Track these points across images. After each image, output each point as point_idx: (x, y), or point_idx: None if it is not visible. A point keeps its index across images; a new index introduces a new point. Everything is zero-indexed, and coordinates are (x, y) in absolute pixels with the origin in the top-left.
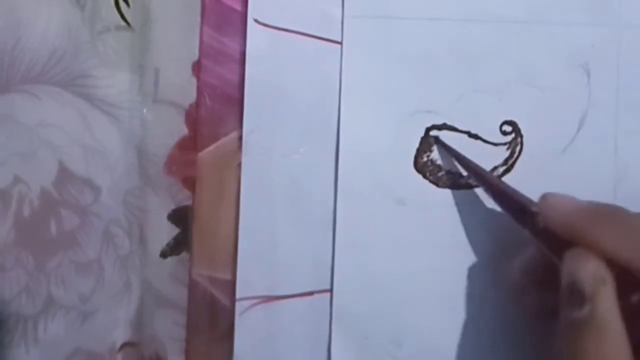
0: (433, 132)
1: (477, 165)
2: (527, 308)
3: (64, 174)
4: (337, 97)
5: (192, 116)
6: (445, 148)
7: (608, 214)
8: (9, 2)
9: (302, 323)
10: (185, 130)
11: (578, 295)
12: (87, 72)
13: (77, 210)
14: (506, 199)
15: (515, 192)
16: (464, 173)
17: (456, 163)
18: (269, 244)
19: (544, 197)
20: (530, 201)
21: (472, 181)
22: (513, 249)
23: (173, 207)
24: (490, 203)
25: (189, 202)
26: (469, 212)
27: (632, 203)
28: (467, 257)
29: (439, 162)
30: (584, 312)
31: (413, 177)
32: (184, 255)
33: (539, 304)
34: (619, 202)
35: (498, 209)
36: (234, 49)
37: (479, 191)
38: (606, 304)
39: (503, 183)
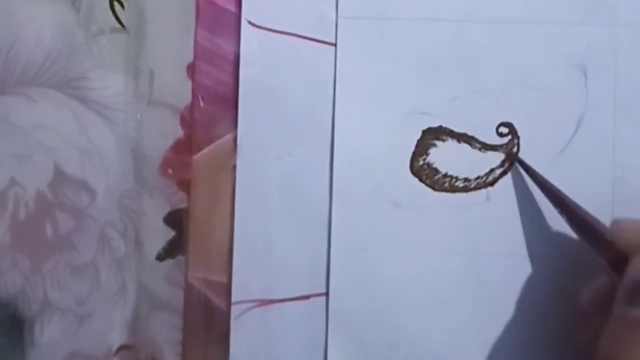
0: (428, 135)
1: (557, 189)
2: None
3: (60, 177)
4: (332, 98)
5: (187, 118)
6: (525, 169)
7: None
8: (4, 5)
9: (298, 326)
10: (180, 132)
11: (638, 295)
12: (82, 74)
13: (73, 212)
14: (582, 224)
15: (591, 217)
16: (460, 176)
17: (533, 185)
18: (265, 246)
19: (615, 221)
20: (605, 227)
21: (467, 185)
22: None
23: (168, 209)
24: (485, 207)
25: (185, 205)
26: (465, 216)
27: (630, 204)
28: (462, 260)
29: (435, 166)
30: None
31: (409, 180)
32: (180, 258)
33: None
34: (617, 204)
35: (494, 213)
36: (228, 51)
37: (475, 195)
38: None
39: (580, 208)
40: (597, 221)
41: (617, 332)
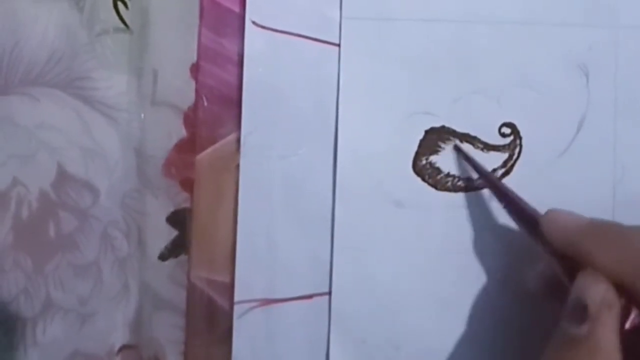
0: (431, 135)
1: (494, 177)
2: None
3: (63, 176)
4: (335, 98)
5: (191, 118)
6: (464, 157)
7: (604, 230)
8: (8, 5)
9: (300, 326)
10: (183, 132)
11: (581, 312)
12: (85, 74)
13: (76, 212)
14: (519, 212)
15: (527, 205)
16: (463, 176)
17: (470, 170)
18: (267, 246)
19: (547, 212)
20: (540, 215)
21: (470, 184)
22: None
23: (171, 209)
24: (488, 206)
25: (188, 205)
26: (467, 215)
27: (631, 204)
28: (465, 260)
29: (438, 165)
30: (582, 330)
31: (412, 179)
32: (183, 257)
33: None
34: (618, 204)
35: (496, 212)
36: (232, 51)
37: (477, 194)
38: (607, 328)
39: (516, 195)
40: (534, 210)
41: (559, 347)
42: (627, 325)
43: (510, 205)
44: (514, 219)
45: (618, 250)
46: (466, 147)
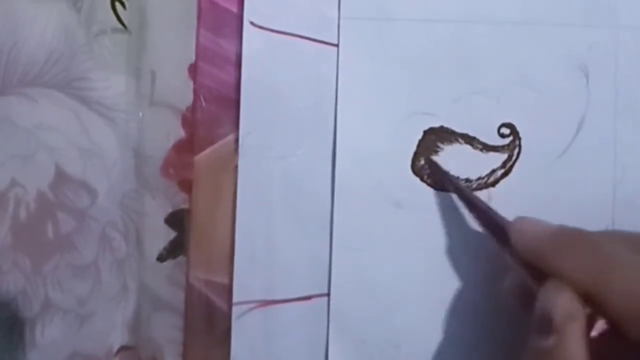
0: (430, 135)
1: (463, 186)
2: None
3: (61, 177)
4: (334, 99)
5: (189, 119)
6: (437, 170)
7: (570, 238)
8: (6, 5)
9: (299, 327)
10: (181, 133)
11: (547, 325)
12: (83, 74)
13: (74, 213)
14: (489, 222)
15: (496, 214)
16: (462, 177)
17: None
18: (266, 247)
19: (515, 220)
20: (509, 224)
21: (469, 185)
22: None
23: (170, 210)
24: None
25: (186, 205)
26: (466, 215)
27: (631, 205)
28: (464, 260)
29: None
30: (549, 343)
31: (410, 179)
32: (181, 258)
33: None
34: (618, 205)
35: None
36: (230, 51)
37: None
38: (573, 339)
39: (485, 204)
40: (506, 221)
41: (531, 359)
42: (593, 333)
43: (481, 216)
44: (486, 230)
45: (583, 257)
46: (465, 147)
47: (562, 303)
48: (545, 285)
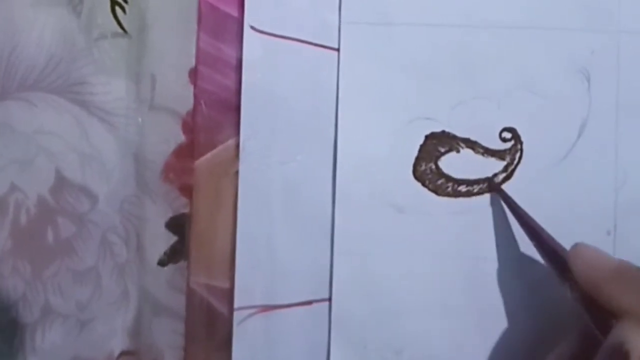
0: (431, 140)
1: (534, 222)
2: None
3: (61, 182)
4: (335, 104)
5: (189, 123)
6: (506, 201)
7: (631, 275)
8: (5, 10)
9: (300, 332)
10: (182, 138)
11: (621, 357)
12: (83, 79)
13: (74, 218)
14: (548, 251)
15: (555, 242)
16: (464, 181)
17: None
18: (267, 252)
19: (574, 249)
20: (568, 254)
21: (470, 190)
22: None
23: (170, 214)
24: (488, 212)
25: (187, 210)
26: (468, 221)
27: (633, 210)
28: (465, 265)
29: (438, 171)
30: None
31: (412, 185)
32: (182, 263)
33: None
34: (620, 209)
35: (497, 218)
36: (230, 56)
37: (478, 200)
38: None
39: (545, 231)
40: (562, 249)
41: None
42: None
43: (541, 244)
44: (545, 261)
45: None
46: (466, 152)
47: None
48: (624, 321)
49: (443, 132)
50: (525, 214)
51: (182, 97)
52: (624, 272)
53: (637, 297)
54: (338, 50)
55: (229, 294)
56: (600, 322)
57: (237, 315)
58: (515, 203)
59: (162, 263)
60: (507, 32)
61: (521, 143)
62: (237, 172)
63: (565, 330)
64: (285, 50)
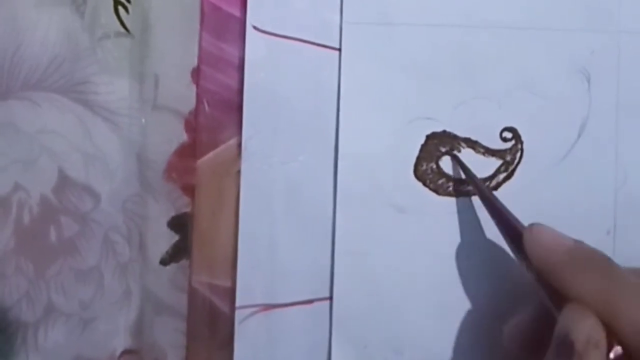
0: (432, 139)
1: (485, 188)
2: None
3: (64, 181)
4: (336, 103)
5: (192, 123)
6: (460, 165)
7: (583, 257)
8: (9, 9)
9: (302, 331)
10: (184, 137)
11: (567, 349)
12: (86, 78)
13: (77, 217)
14: (505, 224)
15: (512, 217)
16: (464, 181)
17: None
18: (269, 251)
19: (531, 228)
20: (524, 230)
21: (472, 189)
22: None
23: (173, 214)
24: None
25: (189, 209)
26: (469, 221)
27: (633, 210)
28: (467, 265)
29: (439, 170)
30: None
31: (413, 184)
32: (184, 262)
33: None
34: (620, 209)
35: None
36: (233, 56)
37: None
38: None
39: (502, 205)
40: (519, 224)
41: None
42: (611, 356)
43: (497, 217)
44: (502, 233)
45: (595, 280)
46: (467, 152)
47: (585, 329)
48: (566, 309)
49: (444, 132)
50: (480, 183)
51: (185, 96)
52: (575, 254)
53: (585, 281)
54: (339, 50)
55: (231, 293)
56: (556, 302)
57: (238, 314)
58: (471, 171)
59: (164, 262)
60: (507, 32)
61: (522, 143)
62: (239, 172)
63: None
64: (287, 50)
